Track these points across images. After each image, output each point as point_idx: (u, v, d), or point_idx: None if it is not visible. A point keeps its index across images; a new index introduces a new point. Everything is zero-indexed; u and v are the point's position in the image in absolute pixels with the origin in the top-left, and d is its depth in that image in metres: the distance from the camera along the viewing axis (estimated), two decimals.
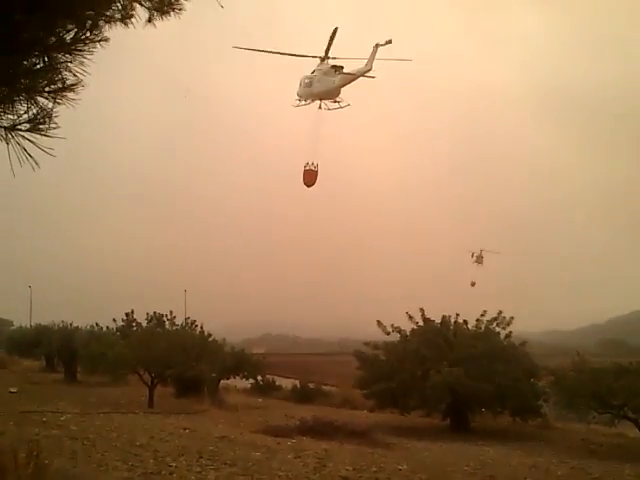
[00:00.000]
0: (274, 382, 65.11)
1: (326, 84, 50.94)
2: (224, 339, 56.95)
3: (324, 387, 63.29)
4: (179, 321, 51.95)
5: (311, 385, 61.45)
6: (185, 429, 30.12)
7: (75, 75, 7.44)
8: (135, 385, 47.41)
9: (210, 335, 51.40)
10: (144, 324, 52.85)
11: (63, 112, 7.62)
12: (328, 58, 50.93)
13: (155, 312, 52.66)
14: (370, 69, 49.76)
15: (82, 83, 7.54)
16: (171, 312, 52.01)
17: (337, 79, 50.97)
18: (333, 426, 33.82)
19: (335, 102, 53.29)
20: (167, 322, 51.96)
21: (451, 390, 40.26)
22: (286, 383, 65.55)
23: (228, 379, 57.05)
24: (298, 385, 61.56)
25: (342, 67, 51.16)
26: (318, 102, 53.42)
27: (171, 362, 42.89)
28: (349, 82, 51.33)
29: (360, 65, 50.58)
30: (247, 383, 62.59)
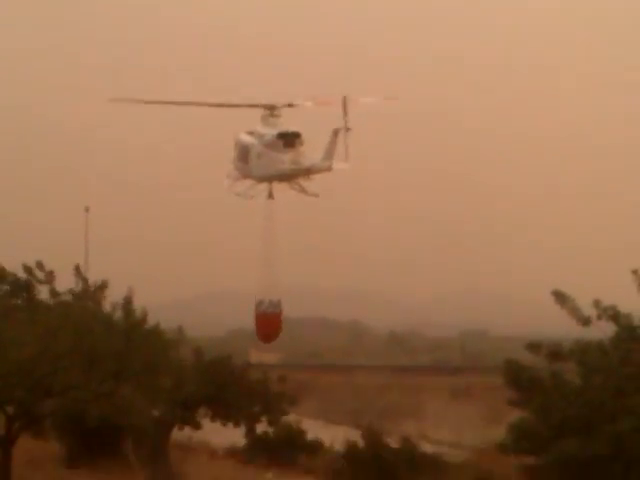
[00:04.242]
0: (300, 434, 49.16)
1: (269, 165, 40.88)
2: (180, 329, 37.31)
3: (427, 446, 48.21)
4: (68, 284, 35.89)
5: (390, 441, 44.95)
6: None
7: None
8: None
9: (144, 318, 33.78)
10: None
11: None
12: (273, 109, 40.52)
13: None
14: (329, 167, 39.31)
15: None
16: (39, 265, 35.60)
17: (287, 159, 39.98)
18: None
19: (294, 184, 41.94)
20: (38, 285, 35.59)
21: None
22: (333, 435, 48.42)
23: (192, 425, 40.95)
24: (361, 441, 45.14)
25: (298, 135, 40.29)
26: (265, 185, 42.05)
27: (53, 382, 29.24)
28: (304, 174, 40.42)
29: (316, 153, 39.54)
30: (238, 436, 46.68)
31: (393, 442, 45.70)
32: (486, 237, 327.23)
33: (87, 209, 70.72)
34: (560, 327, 34.00)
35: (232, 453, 49.31)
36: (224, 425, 40.45)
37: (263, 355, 77.47)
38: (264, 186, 44.04)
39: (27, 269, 37.19)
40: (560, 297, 33.57)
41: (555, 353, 33.20)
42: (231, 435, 46.41)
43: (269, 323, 44.13)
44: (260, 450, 47.34)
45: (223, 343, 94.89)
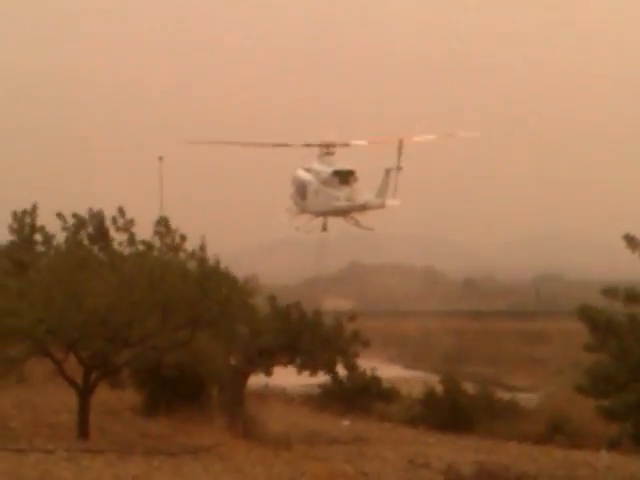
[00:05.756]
0: (376, 381, 46.31)
1: (325, 201, 41.17)
2: (255, 277, 33.98)
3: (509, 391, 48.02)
4: (144, 232, 34.94)
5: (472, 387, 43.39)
6: None
7: None
8: (47, 385, 34.88)
9: (217, 266, 30.24)
10: (60, 239, 36.23)
11: None
12: (330, 147, 40.88)
13: (90, 210, 35.08)
14: (383, 204, 39.32)
15: None
16: (121, 211, 34.77)
17: (343, 195, 40.24)
18: None
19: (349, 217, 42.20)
20: (114, 232, 34.90)
21: None
22: (410, 381, 47.96)
23: (269, 374, 38.48)
24: (438, 388, 42.96)
25: (352, 173, 40.41)
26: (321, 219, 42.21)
27: (129, 332, 27.28)
28: (358, 210, 40.52)
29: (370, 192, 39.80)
30: (313, 384, 45.01)
31: (470, 388, 44.65)
32: (560, 181, 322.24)
33: (161, 158, 69.06)
34: (636, 270, 32.52)
35: (307, 400, 48.14)
36: (299, 373, 39.25)
37: (337, 302, 76.62)
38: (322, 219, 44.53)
39: (100, 219, 35.98)
40: (631, 241, 30.98)
41: (632, 296, 30.77)
42: (306, 382, 44.46)
43: None
44: (335, 397, 46.10)
45: (297, 291, 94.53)
